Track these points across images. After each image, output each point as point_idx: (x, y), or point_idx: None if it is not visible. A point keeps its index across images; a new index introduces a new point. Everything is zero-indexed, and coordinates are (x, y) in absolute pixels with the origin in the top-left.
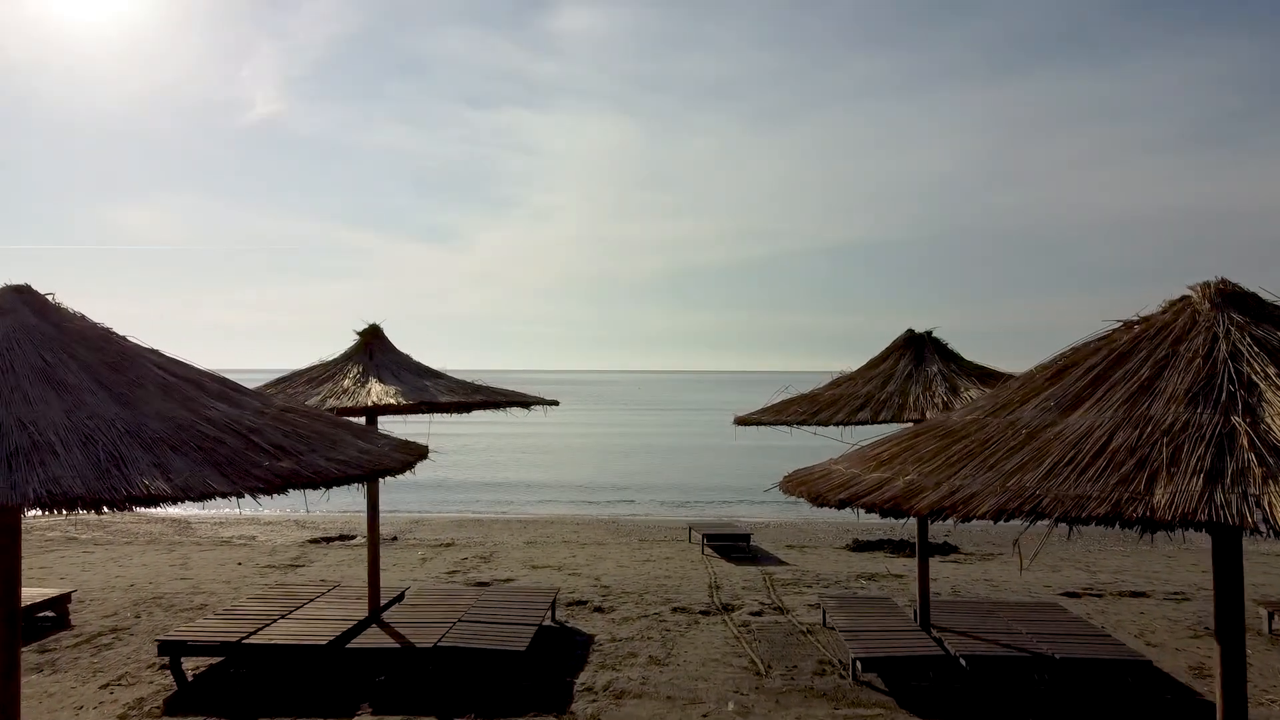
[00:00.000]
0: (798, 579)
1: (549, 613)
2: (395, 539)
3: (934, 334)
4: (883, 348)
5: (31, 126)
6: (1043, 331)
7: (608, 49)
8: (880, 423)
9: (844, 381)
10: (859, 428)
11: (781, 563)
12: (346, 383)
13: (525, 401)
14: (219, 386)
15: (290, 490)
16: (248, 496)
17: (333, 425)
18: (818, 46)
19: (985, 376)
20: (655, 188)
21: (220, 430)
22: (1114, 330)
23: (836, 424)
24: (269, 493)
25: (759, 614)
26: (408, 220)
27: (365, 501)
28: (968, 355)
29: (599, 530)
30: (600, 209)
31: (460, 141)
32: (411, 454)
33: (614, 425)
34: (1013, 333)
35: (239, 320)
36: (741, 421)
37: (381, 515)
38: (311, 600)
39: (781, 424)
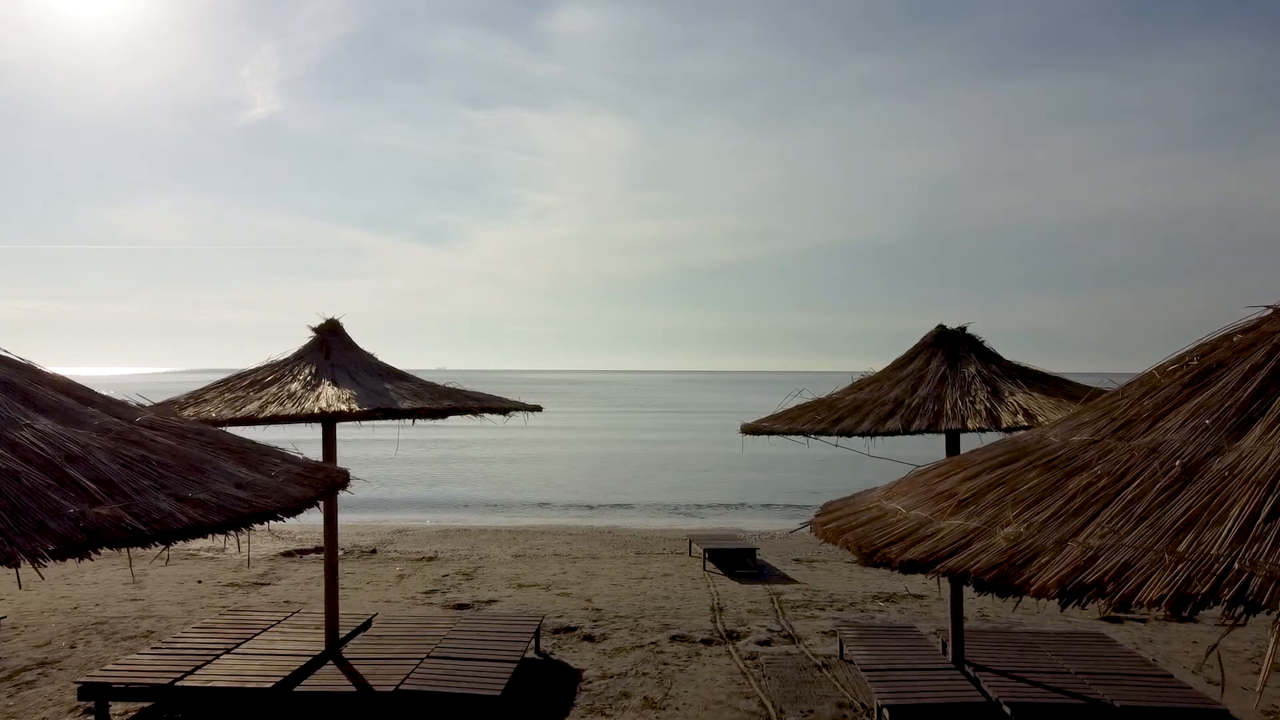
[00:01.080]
0: (808, 600)
1: (532, 643)
2: (374, 552)
3: (968, 331)
4: (883, 347)
5: (31, 126)
6: (1044, 331)
7: (606, 49)
8: (913, 433)
9: (867, 384)
10: (888, 439)
11: (789, 580)
12: (295, 386)
13: (503, 407)
14: (55, 396)
15: (103, 550)
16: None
17: (211, 448)
18: (817, 46)
19: (1032, 379)
20: (654, 187)
21: (22, 460)
22: (1262, 318)
23: (861, 434)
24: (63, 556)
25: (767, 643)
26: (407, 220)
27: (356, 508)
28: None
29: (593, 542)
30: (600, 209)
31: (460, 141)
32: (316, 485)
33: (612, 428)
34: (1014, 332)
35: (239, 320)
36: (750, 430)
37: (363, 524)
38: (264, 630)
39: (796, 434)
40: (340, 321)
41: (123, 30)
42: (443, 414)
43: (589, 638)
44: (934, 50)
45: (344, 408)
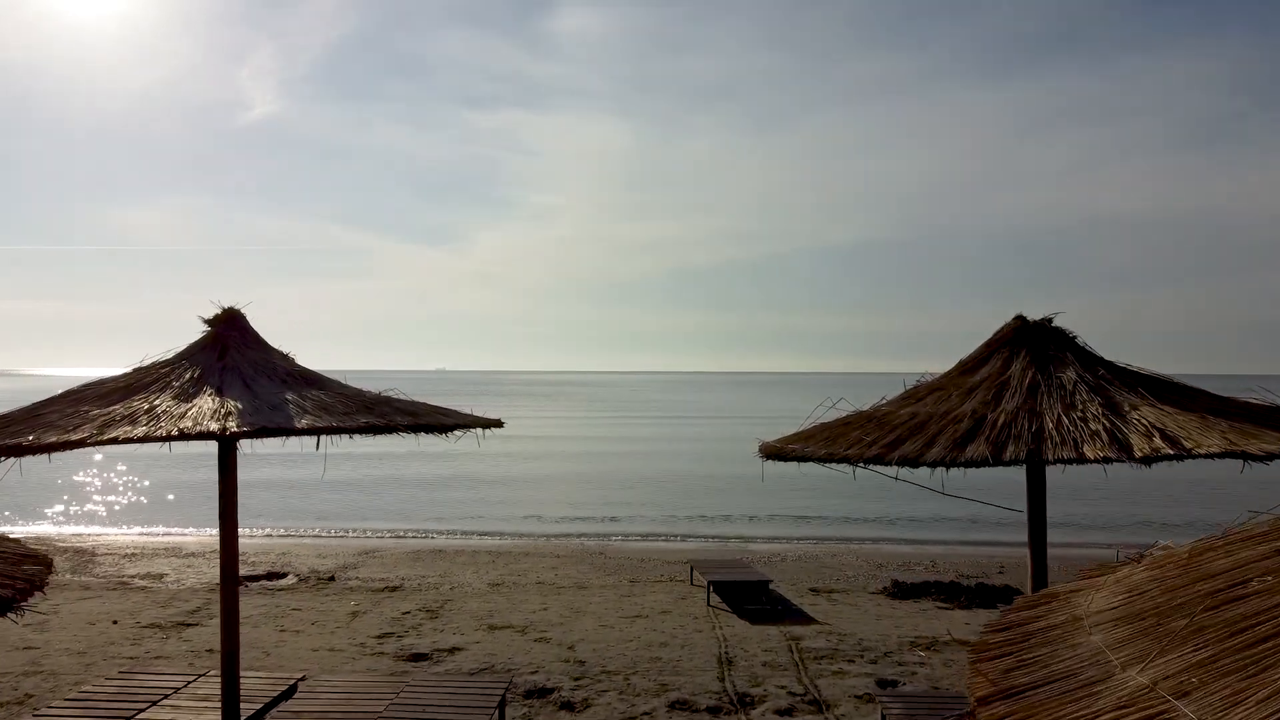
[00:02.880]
0: (834, 647)
1: (496, 714)
2: (333, 579)
3: (1055, 323)
4: (886, 348)
5: (31, 126)
6: None
7: (606, 50)
8: (1006, 463)
9: (927, 393)
10: (970, 472)
11: (808, 618)
12: (163, 399)
13: (443, 424)
14: None
15: None
16: None
17: None
18: (815, 48)
19: (1160, 389)
20: (653, 188)
21: None
22: None
23: (932, 464)
24: None
25: (789, 713)
26: (407, 220)
27: (322, 525)
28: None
29: (582, 566)
30: (599, 210)
31: (460, 142)
32: None
33: (610, 432)
34: None
35: None
36: (772, 453)
37: (326, 546)
38: (155, 703)
39: (840, 461)
40: (242, 311)
41: (122, 30)
42: (359, 432)
43: (568, 705)
44: (933, 51)
45: (213, 427)
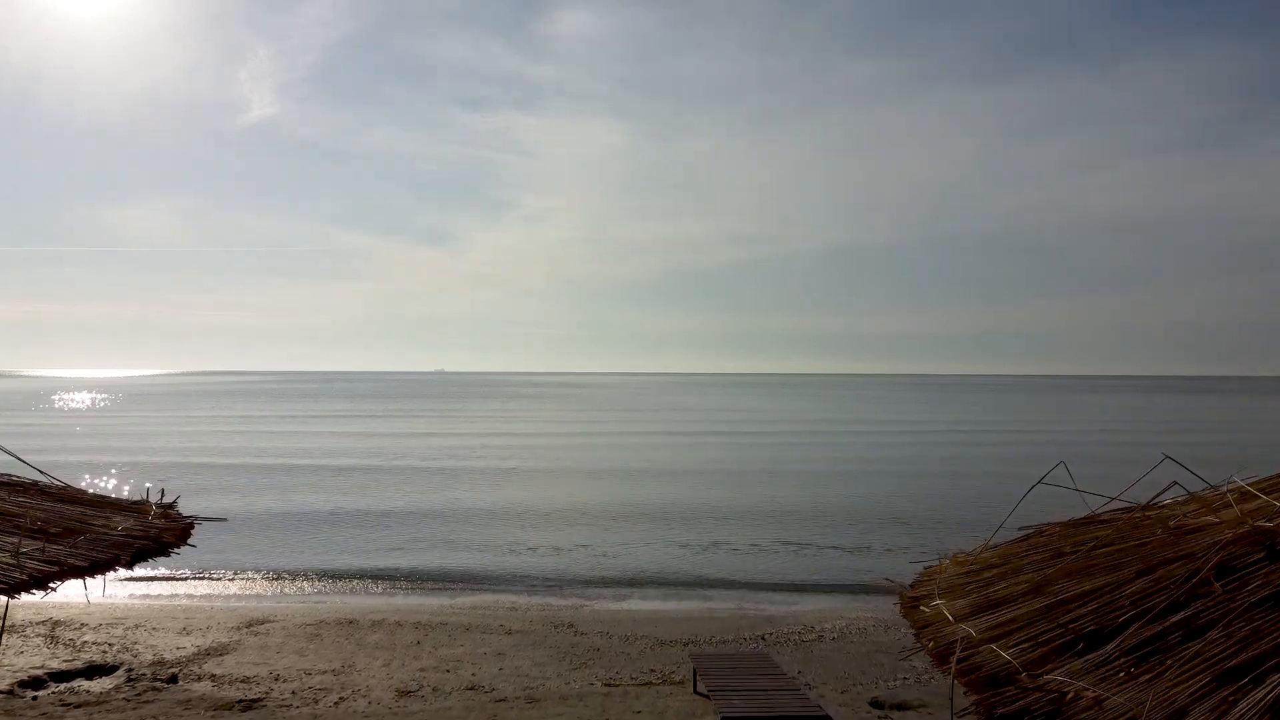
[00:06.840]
0: None
1: None
2: (173, 680)
3: None
4: (890, 349)
5: (31, 126)
6: (1043, 335)
7: (603, 52)
8: None
9: None
10: None
11: None
12: None
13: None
14: None
15: None
16: None
17: None
18: (813, 50)
19: None
20: (651, 190)
21: None
22: None
23: None
24: None
25: None
26: (405, 222)
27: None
28: (969, 360)
29: (540, 651)
30: (597, 211)
31: (457, 144)
32: None
33: (606, 436)
34: (1013, 335)
35: (239, 321)
36: None
37: (209, 608)
38: None
39: None
40: None
41: (122, 31)
42: None
43: None
44: (930, 54)
45: None
